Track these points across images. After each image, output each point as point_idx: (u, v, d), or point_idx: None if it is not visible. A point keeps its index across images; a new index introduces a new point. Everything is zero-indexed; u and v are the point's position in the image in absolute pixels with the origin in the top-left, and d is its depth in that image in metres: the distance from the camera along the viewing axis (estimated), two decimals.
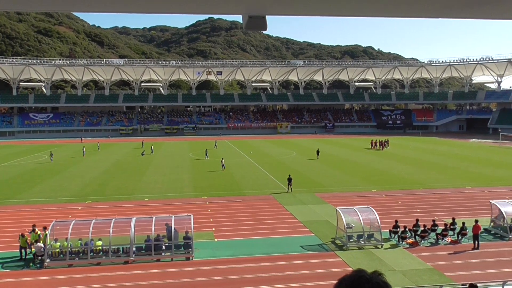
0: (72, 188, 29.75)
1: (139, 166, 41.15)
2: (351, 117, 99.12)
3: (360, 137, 75.25)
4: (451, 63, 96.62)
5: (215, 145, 59.87)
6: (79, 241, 16.04)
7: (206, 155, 47.28)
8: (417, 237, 18.02)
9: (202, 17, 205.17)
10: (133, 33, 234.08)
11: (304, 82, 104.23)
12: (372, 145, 56.39)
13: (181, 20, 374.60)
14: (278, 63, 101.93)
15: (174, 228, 16.22)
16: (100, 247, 15.91)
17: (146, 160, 46.51)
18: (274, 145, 63.85)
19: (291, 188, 27.96)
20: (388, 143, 58.05)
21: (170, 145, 66.45)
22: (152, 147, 53.32)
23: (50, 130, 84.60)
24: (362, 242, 17.22)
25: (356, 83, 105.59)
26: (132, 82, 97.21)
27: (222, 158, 38.60)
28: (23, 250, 16.01)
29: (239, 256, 15.93)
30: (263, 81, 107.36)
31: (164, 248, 16.15)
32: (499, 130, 75.93)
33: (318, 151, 48.36)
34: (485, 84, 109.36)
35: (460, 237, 18.02)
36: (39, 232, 16.87)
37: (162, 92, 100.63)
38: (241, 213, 22.43)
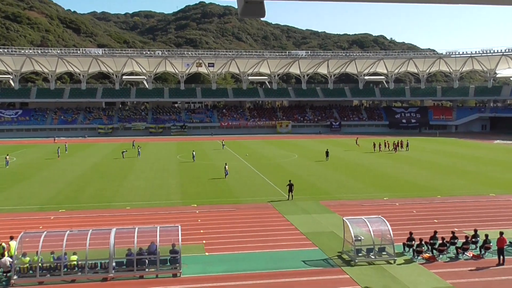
0: (43, 195, 29.62)
1: (120, 170, 41.05)
2: (360, 115, 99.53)
3: (370, 138, 75.49)
4: (472, 55, 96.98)
5: (223, 146, 60.43)
6: (51, 255, 15.92)
7: (193, 157, 47.31)
8: (434, 251, 18.00)
9: (192, 1, 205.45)
10: (114, 19, 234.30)
11: (307, 75, 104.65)
12: (374, 146, 56.05)
13: (168, 5, 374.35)
14: (278, 54, 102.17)
15: (157, 245, 16.08)
16: (75, 262, 15.78)
17: (127, 163, 46.42)
18: (273, 147, 63.84)
19: (292, 195, 27.97)
20: (402, 145, 58.15)
21: (155, 146, 66.30)
22: (140, 149, 53.18)
23: (18, 129, 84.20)
24: (373, 257, 17.21)
25: (366, 77, 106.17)
26: (112, 74, 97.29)
27: (226, 164, 38.38)
28: None
29: (233, 273, 15.91)
30: (260, 74, 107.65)
31: (147, 263, 16.06)
32: None
33: (327, 152, 48.46)
34: (511, 79, 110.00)
35: (483, 252, 18.00)
36: (4, 245, 16.74)
37: (146, 86, 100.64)
38: (236, 224, 22.43)
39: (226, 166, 37.17)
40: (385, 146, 57.46)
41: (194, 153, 47.88)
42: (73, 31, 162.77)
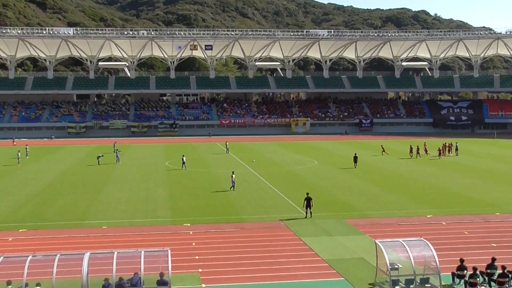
0: None
1: (95, 180, 41.33)
2: (397, 110, 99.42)
3: (409, 139, 75.22)
4: None
5: (227, 149, 61.09)
6: (9, 287, 16.00)
7: (183, 164, 47.57)
8: (492, 283, 17.85)
9: None
10: None
11: (330, 61, 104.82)
12: (411, 150, 55.57)
13: None
14: (293, 33, 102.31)
15: (140, 277, 16.07)
16: None
17: (104, 170, 46.68)
18: (286, 150, 63.84)
19: (310, 212, 27.92)
20: (450, 149, 57.78)
21: (138, 149, 66.66)
22: (119, 153, 53.44)
23: None
24: None
25: (404, 63, 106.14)
26: (86, 60, 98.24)
27: (233, 173, 38.21)
28: None
29: None
30: (271, 60, 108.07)
31: None
32: None
33: (356, 158, 48.54)
34: None
35: None
36: None
37: (128, 74, 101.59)
38: (240, 248, 22.44)
39: (234, 176, 36.82)
40: (425, 151, 56.50)
41: (184, 158, 48.04)
42: (37, 6, 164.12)
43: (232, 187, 35.93)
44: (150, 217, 28.10)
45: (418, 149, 55.26)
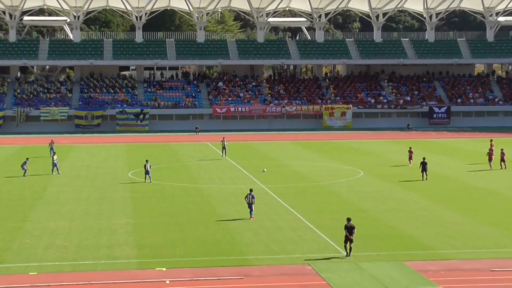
0: None
1: (18, 200, 41.37)
2: (489, 93, 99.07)
3: (508, 137, 74.78)
4: None
5: (224, 151, 61.31)
6: None
7: (146, 174, 47.81)
8: None
9: None
10: None
11: (384, 15, 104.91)
12: (490, 155, 54.70)
13: None
14: None
15: None
16: None
17: (33, 185, 46.78)
18: (315, 155, 63.74)
19: (350, 248, 27.75)
20: None
21: (86, 152, 66.89)
22: (56, 158, 52.95)
23: None
24: None
25: (501, 18, 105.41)
26: (4, 13, 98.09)
27: (251, 191, 36.19)
28: None
29: None
30: (291, 14, 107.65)
31: None
32: None
33: (424, 164, 48.33)
34: None
35: None
36: None
37: (70, 36, 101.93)
38: None
39: (251, 196, 35.15)
40: (502, 160, 54.65)
41: (148, 166, 47.89)
42: None
43: (250, 214, 35.24)
44: (104, 258, 28.04)
45: (502, 154, 54.39)
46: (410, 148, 56.82)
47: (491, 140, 58.86)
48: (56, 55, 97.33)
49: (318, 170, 54.01)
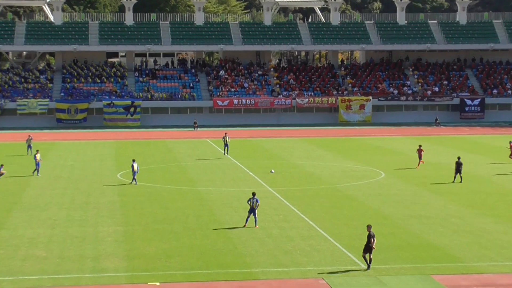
0: None
1: None
2: None
3: None
4: None
5: (225, 148, 61.40)
6: None
7: (133, 175, 48.10)
8: None
9: None
10: None
11: None
12: None
13: None
14: None
15: None
16: None
17: (9, 188, 46.80)
18: (330, 154, 63.78)
19: (370, 260, 27.71)
20: None
21: (68, 150, 66.89)
22: (39, 157, 52.74)
23: None
24: None
25: None
26: None
27: (254, 195, 37.44)
28: None
29: None
30: None
31: None
32: None
33: (459, 165, 48.19)
34: None
35: None
36: None
37: (51, 18, 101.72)
38: None
39: (256, 200, 35.10)
40: None
41: (135, 166, 47.99)
42: None
43: (255, 222, 35.26)
44: (89, 271, 28.05)
45: None
46: (420, 146, 56.21)
47: None
48: (35, 39, 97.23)
49: (332, 171, 53.97)
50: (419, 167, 53.90)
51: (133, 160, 48.75)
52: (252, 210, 35.11)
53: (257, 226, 35.01)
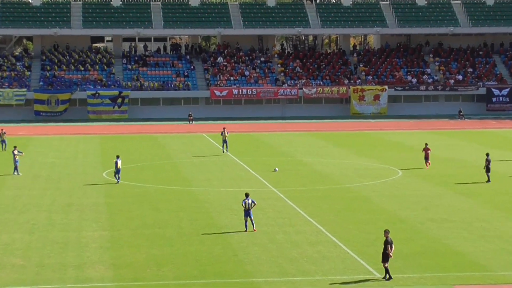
0: None
1: None
2: None
3: None
4: None
5: (224, 145, 61.39)
6: None
7: (116, 173, 48.31)
8: None
9: None
10: None
11: None
12: None
13: None
14: None
15: None
16: None
17: None
18: (341, 150, 63.84)
19: (387, 270, 27.68)
20: None
21: (48, 146, 66.99)
22: (17, 154, 52.71)
23: None
24: None
25: None
26: None
27: (247, 197, 37.07)
28: None
29: None
30: None
31: None
32: None
33: (488, 162, 48.06)
34: None
35: None
36: None
37: None
38: None
39: (251, 201, 35.51)
40: None
41: (119, 162, 48.11)
42: None
43: (252, 224, 35.37)
44: (72, 281, 28.04)
45: None
46: (426, 144, 55.81)
47: None
48: (10, 22, 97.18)
49: (344, 169, 53.98)
50: (428, 167, 53.67)
51: (117, 157, 48.78)
52: (247, 213, 35.06)
53: (255, 229, 35.02)
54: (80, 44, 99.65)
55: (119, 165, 48.07)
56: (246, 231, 35.07)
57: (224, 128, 62.32)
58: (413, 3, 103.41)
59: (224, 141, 61.27)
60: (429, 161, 54.29)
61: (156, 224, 37.03)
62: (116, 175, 48.08)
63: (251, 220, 35.17)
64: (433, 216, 38.43)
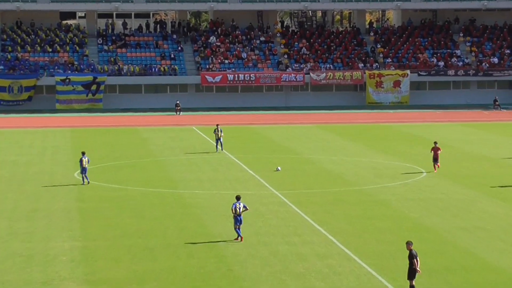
0: None
1: None
2: None
3: None
4: None
5: (218, 142, 61.33)
6: None
7: (82, 171, 48.38)
8: None
9: None
10: None
11: None
12: None
13: None
14: None
15: None
16: None
17: None
18: (354, 145, 64.08)
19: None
20: None
21: (9, 140, 67.36)
22: None
23: None
24: None
25: None
26: None
27: (238, 199, 36.89)
28: None
29: None
30: None
31: None
32: None
33: None
34: None
35: None
36: None
37: None
38: None
39: (239, 206, 35.45)
40: None
41: (85, 160, 47.95)
42: None
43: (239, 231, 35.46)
44: None
45: None
46: (436, 143, 54.90)
47: None
48: None
49: (358, 168, 53.98)
50: (437, 171, 53.17)
51: (83, 153, 48.74)
52: (237, 219, 35.01)
53: (242, 237, 35.02)
54: (47, 21, 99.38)
55: (84, 163, 48.01)
56: (241, 241, 34.93)
57: (217, 126, 61.85)
58: None
59: (218, 140, 60.88)
60: (438, 163, 53.71)
61: (138, 234, 36.82)
62: (83, 175, 48.04)
63: (239, 227, 35.15)
64: (464, 224, 38.30)
